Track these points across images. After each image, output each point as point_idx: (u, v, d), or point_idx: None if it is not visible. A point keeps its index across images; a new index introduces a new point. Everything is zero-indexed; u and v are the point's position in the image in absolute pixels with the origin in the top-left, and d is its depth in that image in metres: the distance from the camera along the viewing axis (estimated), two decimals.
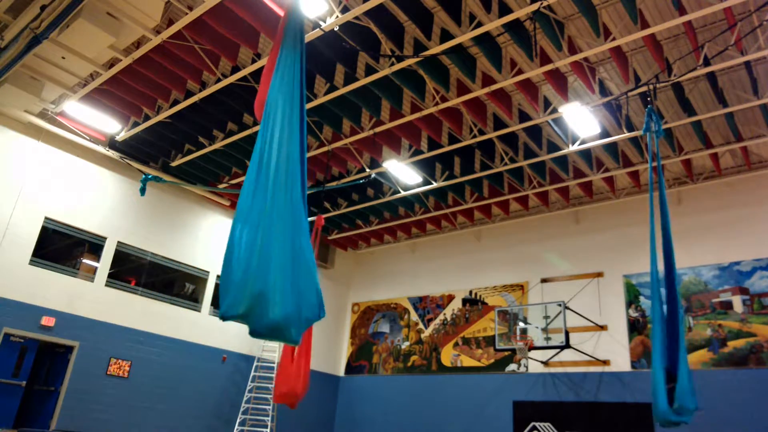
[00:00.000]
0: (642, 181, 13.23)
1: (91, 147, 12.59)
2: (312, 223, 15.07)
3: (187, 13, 8.67)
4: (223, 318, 3.35)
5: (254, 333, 3.39)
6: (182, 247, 14.33)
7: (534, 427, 13.09)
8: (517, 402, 13.61)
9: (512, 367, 14.21)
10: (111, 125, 12.08)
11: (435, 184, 13.42)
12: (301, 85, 4.05)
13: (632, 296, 12.96)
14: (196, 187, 14.26)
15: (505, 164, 12.51)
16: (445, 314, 16.19)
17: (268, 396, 14.55)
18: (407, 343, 16.65)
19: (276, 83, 4.02)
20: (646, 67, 10.06)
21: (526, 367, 13.92)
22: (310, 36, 8.92)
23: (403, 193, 13.97)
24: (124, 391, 12.27)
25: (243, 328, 15.31)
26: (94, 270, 12.60)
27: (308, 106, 10.91)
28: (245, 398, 14.50)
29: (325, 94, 10.62)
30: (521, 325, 13.02)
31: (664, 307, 5.93)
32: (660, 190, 6.25)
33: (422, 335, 16.43)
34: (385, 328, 17.41)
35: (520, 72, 9.79)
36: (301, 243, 3.58)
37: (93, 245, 12.70)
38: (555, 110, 10.58)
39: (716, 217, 12.45)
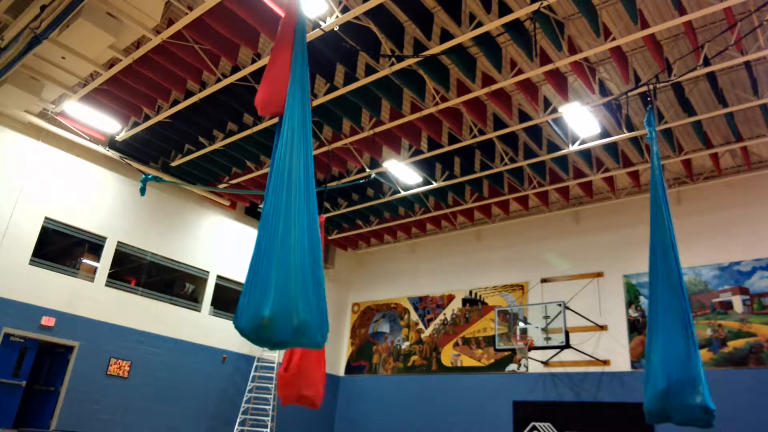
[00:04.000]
0: (642, 181, 13.23)
1: (91, 147, 12.58)
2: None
3: (187, 13, 8.67)
4: (242, 331, 3.45)
5: (276, 341, 3.47)
6: (182, 247, 14.32)
7: (534, 427, 13.09)
8: (517, 402, 13.61)
9: (512, 367, 14.21)
10: (111, 125, 12.07)
11: (435, 184, 13.42)
12: (308, 91, 4.23)
13: (632, 296, 12.96)
14: (196, 187, 14.26)
15: (505, 164, 12.51)
16: (445, 314, 16.19)
17: (269, 396, 14.55)
18: (407, 343, 16.65)
19: (292, 90, 4.20)
20: (646, 67, 10.06)
21: (526, 367, 13.92)
22: (310, 36, 8.92)
23: (403, 193, 13.97)
24: (124, 391, 12.26)
25: None
26: (94, 270, 12.59)
27: None
28: (245, 398, 14.50)
29: (325, 94, 10.62)
30: (521, 325, 13.01)
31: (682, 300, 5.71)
32: (661, 188, 6.18)
33: (422, 335, 16.43)
34: (385, 328, 17.41)
35: (520, 72, 9.79)
36: (315, 250, 3.72)
37: (93, 245, 12.70)
38: (555, 110, 10.58)
39: (716, 217, 12.45)
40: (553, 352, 13.13)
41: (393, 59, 9.46)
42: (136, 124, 12.23)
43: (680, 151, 11.83)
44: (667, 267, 5.79)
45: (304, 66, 4.38)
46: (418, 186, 13.64)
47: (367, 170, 13.28)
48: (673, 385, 5.26)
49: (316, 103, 10.79)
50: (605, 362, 12.78)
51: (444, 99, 10.62)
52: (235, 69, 10.22)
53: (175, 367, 13.31)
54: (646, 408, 5.56)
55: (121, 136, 12.50)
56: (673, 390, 5.25)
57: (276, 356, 15.02)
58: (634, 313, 12.81)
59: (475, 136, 11.69)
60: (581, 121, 10.46)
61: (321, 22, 8.62)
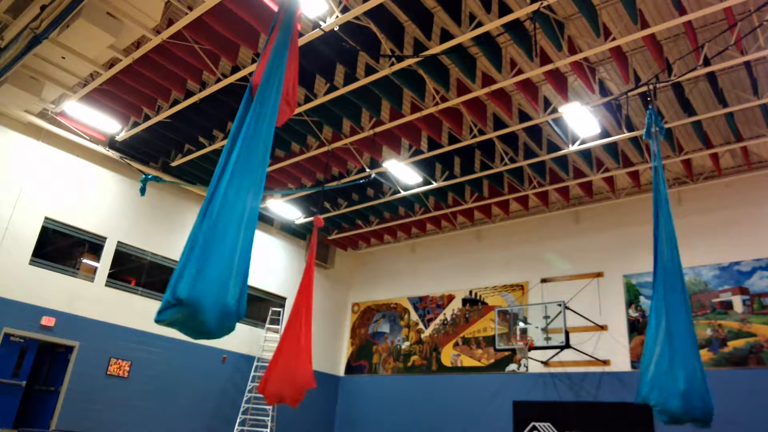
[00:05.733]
0: (642, 181, 13.23)
1: (91, 147, 12.58)
2: (311, 223, 15.06)
3: (187, 13, 8.67)
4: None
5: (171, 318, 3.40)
6: (182, 247, 14.24)
7: (534, 427, 13.09)
8: (517, 402, 13.60)
9: (512, 367, 14.21)
10: (111, 125, 12.07)
11: (435, 184, 13.41)
12: (277, 90, 4.16)
13: (632, 296, 12.95)
14: (196, 187, 14.26)
15: (505, 164, 12.51)
16: (445, 314, 16.18)
17: None
18: (407, 343, 16.65)
19: (263, 82, 4.14)
20: (646, 67, 10.06)
21: (526, 367, 13.92)
22: (310, 36, 8.92)
23: (403, 193, 13.97)
24: (124, 391, 12.27)
25: (243, 328, 15.37)
26: (94, 270, 12.60)
27: (308, 106, 10.92)
28: (245, 398, 14.50)
29: (325, 94, 10.62)
30: (521, 325, 13.01)
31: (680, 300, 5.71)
32: (662, 189, 6.17)
33: (422, 335, 16.43)
34: (385, 328, 17.41)
35: (520, 72, 9.79)
36: (221, 230, 3.56)
37: (93, 245, 12.70)
38: (555, 110, 10.58)
39: (716, 217, 12.44)
40: (553, 352, 13.12)
41: (393, 59, 9.45)
42: (136, 124, 12.23)
43: (680, 151, 11.82)
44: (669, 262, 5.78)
45: (282, 58, 4.32)
46: (418, 186, 13.63)
47: (367, 170, 13.28)
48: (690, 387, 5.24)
49: (316, 103, 10.80)
50: (605, 362, 12.78)
51: (444, 99, 10.62)
52: (235, 69, 10.22)
53: (175, 367, 13.31)
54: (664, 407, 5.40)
55: (121, 136, 12.50)
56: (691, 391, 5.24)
57: None
58: (634, 313, 12.81)
59: (475, 136, 11.69)
60: (581, 121, 10.45)
61: (321, 22, 8.61)
